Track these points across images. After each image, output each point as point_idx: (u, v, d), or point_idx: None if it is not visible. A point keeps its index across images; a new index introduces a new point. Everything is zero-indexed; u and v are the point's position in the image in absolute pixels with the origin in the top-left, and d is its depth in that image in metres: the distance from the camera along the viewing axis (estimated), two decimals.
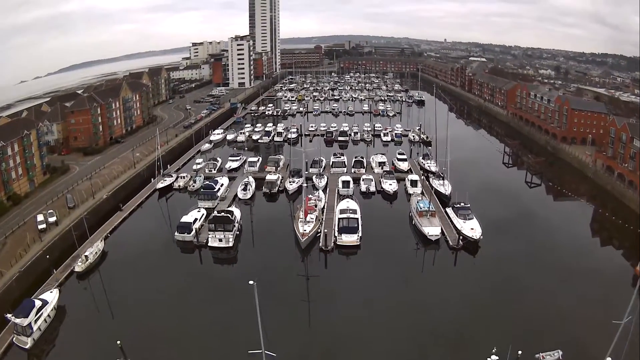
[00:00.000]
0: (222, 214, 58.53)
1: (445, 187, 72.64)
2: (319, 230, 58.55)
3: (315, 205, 62.83)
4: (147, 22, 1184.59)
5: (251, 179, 77.01)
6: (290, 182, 74.58)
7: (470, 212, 62.04)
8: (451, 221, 62.11)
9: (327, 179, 77.79)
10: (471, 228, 58.87)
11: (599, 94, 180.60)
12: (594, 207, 74.01)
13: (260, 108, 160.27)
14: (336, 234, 57.23)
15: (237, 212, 62.93)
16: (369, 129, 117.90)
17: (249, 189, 72.95)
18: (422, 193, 71.32)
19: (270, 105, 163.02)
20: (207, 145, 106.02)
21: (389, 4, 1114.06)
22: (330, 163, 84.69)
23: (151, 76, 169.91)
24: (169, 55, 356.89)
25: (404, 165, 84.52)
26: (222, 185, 74.03)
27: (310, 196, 63.82)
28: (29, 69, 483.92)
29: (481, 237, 57.08)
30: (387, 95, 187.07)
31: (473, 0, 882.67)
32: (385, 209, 70.46)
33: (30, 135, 79.97)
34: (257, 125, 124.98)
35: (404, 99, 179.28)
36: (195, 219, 61.61)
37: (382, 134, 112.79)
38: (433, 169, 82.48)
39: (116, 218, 67.00)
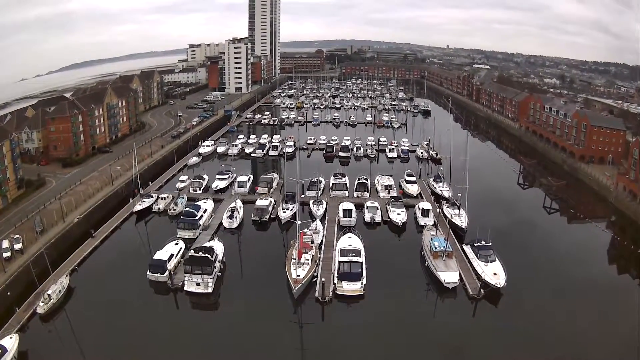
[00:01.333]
0: (201, 253, 49.16)
1: (461, 219, 63.40)
2: (316, 274, 49.34)
3: (312, 242, 53.55)
4: (149, 23, 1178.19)
5: (239, 203, 67.68)
6: (283, 209, 65.22)
7: (492, 252, 52.93)
8: (470, 263, 52.96)
9: (326, 205, 68.47)
10: (494, 273, 49.72)
11: (608, 105, 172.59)
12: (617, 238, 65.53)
13: (256, 116, 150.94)
14: (336, 280, 47.94)
15: (219, 248, 53.65)
16: (372, 143, 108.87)
17: (236, 217, 63.49)
18: (435, 224, 62.19)
19: (267, 113, 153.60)
20: (195, 159, 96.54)
21: (391, 10, 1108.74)
22: (330, 185, 75.26)
23: (142, 79, 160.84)
24: (170, 57, 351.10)
25: (413, 189, 75.29)
26: (205, 211, 64.69)
27: (305, 230, 54.49)
28: (30, 66, 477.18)
29: (505, 284, 48.03)
30: (391, 104, 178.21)
31: (475, 7, 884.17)
32: (393, 244, 61.08)
33: (2, 146, 70.96)
34: (251, 136, 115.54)
35: (408, 109, 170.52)
36: (171, 255, 52.31)
37: (387, 149, 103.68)
38: (446, 194, 73.22)
39: (87, 246, 58.06)
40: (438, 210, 66.52)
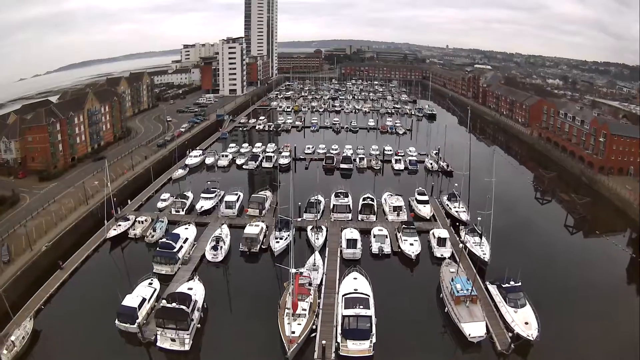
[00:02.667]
0: (175, 304, 40.47)
1: (483, 249, 54.82)
2: (315, 327, 40.80)
3: (310, 284, 44.91)
4: (148, 23, 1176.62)
5: (225, 231, 59.00)
6: (276, 238, 56.45)
7: (522, 295, 44.50)
8: (497, 309, 44.44)
9: (327, 232, 59.72)
10: (525, 322, 41.35)
11: (615, 108, 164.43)
12: None
13: (250, 121, 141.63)
14: (339, 338, 39.30)
15: (198, 292, 45.00)
16: (376, 152, 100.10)
17: (221, 248, 54.70)
18: (454, 256, 53.70)
19: (262, 118, 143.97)
20: (180, 172, 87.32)
21: (390, 10, 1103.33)
22: (331, 206, 66.46)
23: (131, 82, 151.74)
24: (169, 57, 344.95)
25: (425, 211, 66.61)
26: (185, 240, 55.98)
27: (301, 270, 45.71)
28: (30, 66, 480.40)
29: (538, 335, 39.62)
30: (394, 107, 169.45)
31: (474, 6, 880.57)
32: (406, 282, 52.18)
33: None
34: (244, 145, 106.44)
35: (413, 112, 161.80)
36: (143, 300, 43.68)
37: (393, 160, 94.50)
38: (463, 217, 64.57)
39: (54, 280, 50.23)
40: (453, 231, 58.05)
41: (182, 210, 67.94)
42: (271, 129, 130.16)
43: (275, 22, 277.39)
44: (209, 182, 71.91)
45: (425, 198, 68.98)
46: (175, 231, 58.01)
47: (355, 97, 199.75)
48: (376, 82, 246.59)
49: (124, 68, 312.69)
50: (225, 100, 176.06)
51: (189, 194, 71.75)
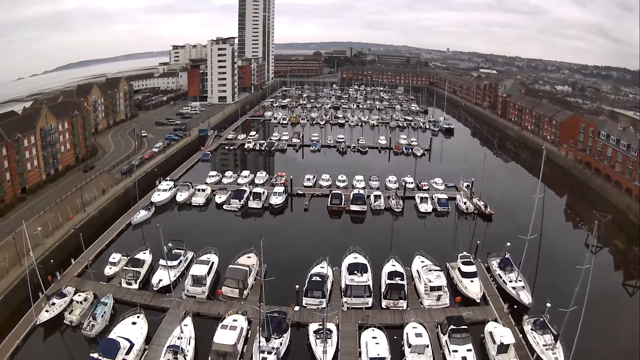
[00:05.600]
0: None
1: (556, 352, 35.63)
2: None
3: None
4: (146, 23, 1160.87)
5: (189, 330, 39.23)
6: (261, 349, 36.51)
7: None
8: None
9: (338, 335, 39.80)
10: None
11: (632, 118, 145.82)
12: None
13: (239, 137, 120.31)
14: None
15: None
16: (394, 184, 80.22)
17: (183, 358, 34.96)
18: None
19: (253, 133, 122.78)
20: (143, 213, 66.44)
21: (389, 12, 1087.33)
22: (342, 287, 46.52)
23: (104, 89, 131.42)
24: (166, 57, 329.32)
25: (474, 289, 46.81)
26: (129, 348, 36.36)
27: None
28: (28, 65, 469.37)
29: None
30: (405, 119, 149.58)
31: (473, 9, 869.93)
32: None
33: None
34: (226, 174, 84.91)
35: (427, 126, 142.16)
36: None
37: (417, 198, 73.13)
38: (524, 298, 45.00)
39: None
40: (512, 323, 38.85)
41: (135, 282, 48.22)
42: (263, 148, 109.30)
43: (272, 22, 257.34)
44: (170, 244, 51.34)
45: (473, 269, 49.14)
46: (117, 332, 38.49)
47: (360, 106, 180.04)
48: (380, 88, 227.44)
49: (122, 68, 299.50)
50: (212, 109, 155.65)
51: (145, 257, 51.82)
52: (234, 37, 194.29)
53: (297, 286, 43.81)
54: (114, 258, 52.46)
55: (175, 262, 49.44)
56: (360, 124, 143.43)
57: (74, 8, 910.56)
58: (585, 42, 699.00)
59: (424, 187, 78.92)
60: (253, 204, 70.26)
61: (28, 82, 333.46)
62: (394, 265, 49.50)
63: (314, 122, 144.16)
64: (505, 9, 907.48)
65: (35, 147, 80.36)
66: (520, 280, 48.03)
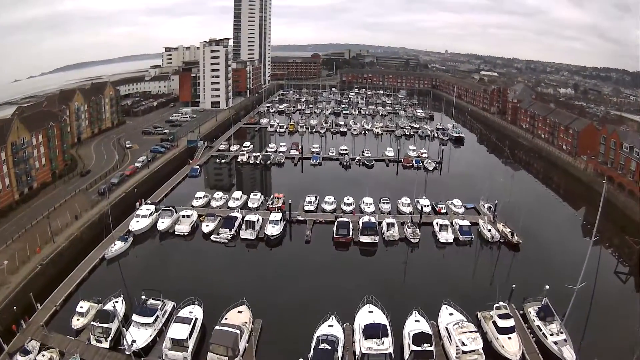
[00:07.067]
0: None
1: None
2: None
3: None
4: (144, 25, 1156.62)
5: None
6: None
7: None
8: None
9: None
10: None
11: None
12: None
13: (232, 148, 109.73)
14: None
15: None
16: (408, 208, 70.64)
17: None
18: None
19: (248, 144, 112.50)
20: (119, 245, 56.73)
21: (386, 14, 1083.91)
22: (357, 355, 36.80)
23: (88, 95, 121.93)
24: (160, 60, 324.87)
25: (513, 347, 37.64)
26: None
27: None
28: (26, 67, 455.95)
29: None
30: (411, 127, 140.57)
31: (471, 11, 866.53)
32: None
33: None
34: (216, 195, 74.70)
35: (435, 134, 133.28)
36: None
37: (435, 226, 63.98)
38: (567, 355, 36.18)
39: None
40: None
41: (105, 340, 38.97)
42: (258, 162, 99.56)
43: (269, 23, 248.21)
44: (143, 296, 41.93)
45: (511, 323, 40.04)
46: None
47: (362, 111, 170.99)
48: (381, 92, 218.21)
49: (118, 70, 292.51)
50: (205, 116, 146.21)
51: (117, 306, 42.52)
52: (229, 39, 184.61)
53: (302, 357, 34.57)
54: (81, 307, 42.99)
55: (151, 319, 40.03)
56: (363, 132, 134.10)
57: (71, 10, 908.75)
58: (582, 43, 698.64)
59: (442, 211, 69.67)
60: (246, 234, 60.39)
61: (24, 85, 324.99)
62: (418, 321, 40.27)
63: (314, 130, 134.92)
64: (502, 10, 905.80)
65: (7, 164, 71.24)
66: (562, 333, 39.32)
